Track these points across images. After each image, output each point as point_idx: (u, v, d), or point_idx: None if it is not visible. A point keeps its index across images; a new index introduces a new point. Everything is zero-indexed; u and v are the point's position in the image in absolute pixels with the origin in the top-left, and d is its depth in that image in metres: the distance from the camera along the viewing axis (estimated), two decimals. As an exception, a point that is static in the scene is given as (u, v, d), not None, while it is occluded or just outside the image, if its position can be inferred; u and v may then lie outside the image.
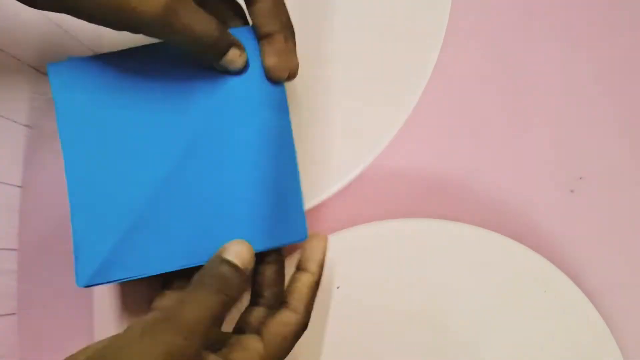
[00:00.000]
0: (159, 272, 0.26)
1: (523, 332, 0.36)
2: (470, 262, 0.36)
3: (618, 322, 0.37)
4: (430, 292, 0.36)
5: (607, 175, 0.40)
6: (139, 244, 0.26)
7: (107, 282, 0.26)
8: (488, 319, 0.36)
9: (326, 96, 0.36)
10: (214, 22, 0.25)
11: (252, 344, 0.24)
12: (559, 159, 0.41)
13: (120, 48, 0.28)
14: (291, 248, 0.35)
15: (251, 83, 0.27)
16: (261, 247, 0.26)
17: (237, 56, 0.26)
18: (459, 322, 0.36)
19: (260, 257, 0.28)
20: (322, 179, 0.34)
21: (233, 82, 0.27)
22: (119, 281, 0.26)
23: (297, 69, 0.29)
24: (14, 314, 0.34)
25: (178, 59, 0.27)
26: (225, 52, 0.26)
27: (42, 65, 0.35)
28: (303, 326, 0.26)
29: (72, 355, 0.22)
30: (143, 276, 0.26)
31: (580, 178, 0.40)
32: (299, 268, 0.27)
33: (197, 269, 0.24)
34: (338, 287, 0.36)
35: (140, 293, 0.33)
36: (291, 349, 0.26)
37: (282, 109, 0.28)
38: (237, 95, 0.27)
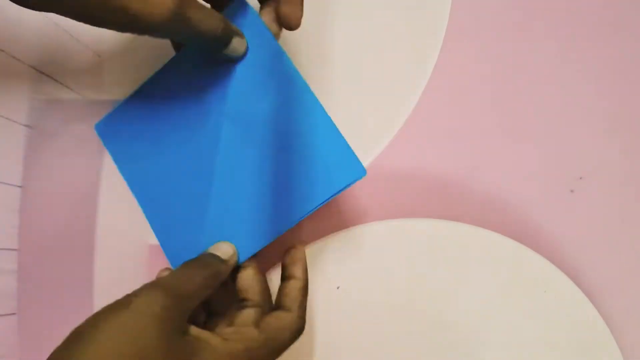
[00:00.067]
0: (133, 194, 0.32)
1: (523, 331, 0.36)
2: (470, 262, 0.36)
3: (618, 322, 0.37)
4: (430, 292, 0.36)
5: (607, 175, 0.40)
6: (145, 165, 0.31)
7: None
8: (488, 319, 0.36)
9: (326, 96, 0.36)
10: (218, 17, 0.26)
11: (248, 330, 0.26)
12: (559, 159, 0.41)
13: (119, 48, 0.29)
14: (272, 259, 0.35)
15: (256, 63, 0.29)
16: (321, 199, 0.28)
17: (239, 44, 0.28)
18: (459, 322, 0.36)
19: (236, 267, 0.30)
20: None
21: (242, 70, 0.29)
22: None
23: (300, 20, 0.30)
24: (14, 314, 0.34)
25: (191, 70, 0.30)
26: (229, 42, 0.27)
27: (42, 65, 0.35)
28: (299, 326, 0.27)
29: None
30: (124, 179, 0.32)
31: (580, 178, 0.40)
32: (284, 277, 0.29)
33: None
34: (338, 287, 0.36)
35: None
36: (286, 348, 0.26)
37: (290, 73, 0.29)
38: (249, 79, 0.29)
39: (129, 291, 0.29)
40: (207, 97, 0.30)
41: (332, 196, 0.28)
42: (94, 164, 0.36)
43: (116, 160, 0.32)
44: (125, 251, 0.36)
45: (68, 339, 0.21)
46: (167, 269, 0.31)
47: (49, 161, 0.35)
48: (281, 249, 0.31)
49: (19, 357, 0.34)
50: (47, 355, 0.22)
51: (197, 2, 0.25)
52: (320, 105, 0.28)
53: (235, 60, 0.29)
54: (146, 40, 0.27)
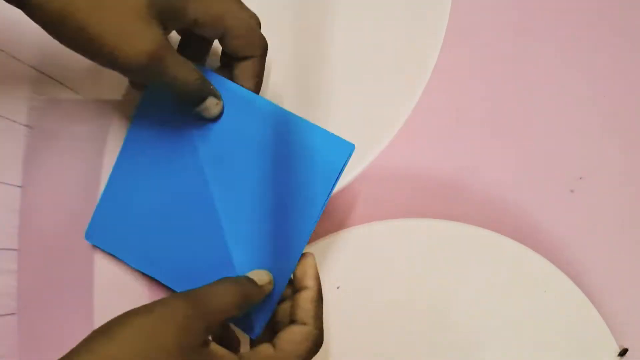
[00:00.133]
0: (147, 273, 0.30)
1: (523, 331, 0.36)
2: (470, 262, 0.36)
3: (618, 322, 0.38)
4: (430, 291, 0.36)
5: (607, 176, 0.40)
6: (147, 243, 0.30)
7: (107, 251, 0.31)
8: (488, 318, 0.36)
9: (326, 96, 0.36)
10: (196, 73, 0.26)
11: (264, 348, 0.25)
12: (559, 160, 0.41)
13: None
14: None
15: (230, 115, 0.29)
16: (325, 191, 0.28)
17: (213, 105, 0.27)
18: (459, 321, 0.36)
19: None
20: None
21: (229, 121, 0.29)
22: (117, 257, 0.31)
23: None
24: (14, 314, 0.34)
25: (163, 124, 0.30)
26: (203, 100, 0.27)
27: (42, 65, 0.35)
28: (316, 339, 0.27)
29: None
30: (133, 267, 0.30)
31: (580, 178, 0.40)
32: (296, 289, 0.28)
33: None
34: (338, 287, 0.36)
35: (140, 294, 0.33)
36: None
37: (249, 98, 0.29)
38: (225, 127, 0.29)
39: (129, 291, 0.29)
40: (186, 149, 0.29)
41: (334, 184, 0.28)
42: (94, 164, 0.36)
43: (122, 257, 0.31)
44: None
45: (90, 336, 0.22)
46: None
47: (49, 161, 0.35)
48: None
49: (18, 357, 0.34)
50: (47, 355, 0.22)
51: (177, 54, 0.25)
52: (282, 109, 0.29)
53: (207, 119, 0.28)
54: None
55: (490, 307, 0.36)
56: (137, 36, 0.22)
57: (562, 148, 0.41)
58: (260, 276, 0.27)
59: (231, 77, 0.29)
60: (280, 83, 0.35)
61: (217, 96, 0.28)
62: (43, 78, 0.35)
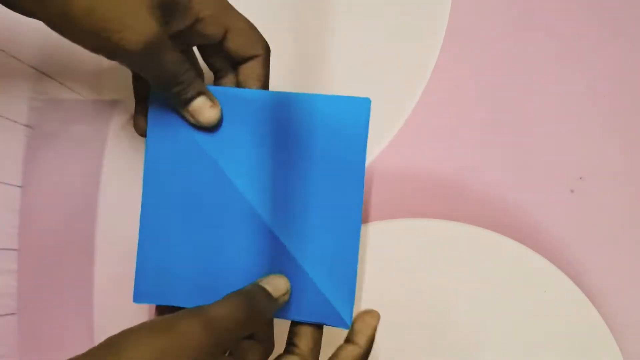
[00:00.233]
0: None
1: (523, 332, 0.36)
2: (470, 262, 0.36)
3: (618, 322, 0.37)
4: (430, 292, 0.36)
5: (607, 176, 0.40)
6: (198, 276, 0.27)
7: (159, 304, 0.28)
8: (488, 318, 0.36)
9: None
10: (187, 67, 0.25)
11: None
12: (559, 159, 0.41)
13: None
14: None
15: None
16: (298, 318, 0.26)
17: (206, 106, 0.26)
18: (459, 322, 0.36)
19: None
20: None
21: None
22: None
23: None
24: (13, 314, 0.34)
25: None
26: (191, 99, 0.26)
27: (42, 65, 0.35)
28: None
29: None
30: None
31: (581, 178, 0.40)
32: (348, 340, 0.27)
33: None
34: (338, 287, 0.36)
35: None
36: None
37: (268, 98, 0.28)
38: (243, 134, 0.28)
39: (129, 292, 0.29)
40: (209, 170, 0.27)
41: (365, 143, 0.27)
42: (94, 164, 0.36)
43: (177, 303, 0.28)
44: (125, 251, 0.36)
45: (96, 350, 0.21)
46: None
47: (49, 161, 0.35)
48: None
49: (18, 357, 0.34)
50: (47, 355, 0.22)
51: (173, 49, 0.24)
52: (286, 93, 0.28)
53: (204, 127, 0.27)
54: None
55: (490, 307, 0.36)
56: (137, 24, 0.22)
57: (563, 148, 0.41)
58: (277, 285, 0.26)
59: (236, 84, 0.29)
60: (280, 83, 0.35)
61: (212, 98, 0.26)
62: (43, 78, 0.35)
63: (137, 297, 0.28)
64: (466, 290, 0.36)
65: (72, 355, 0.20)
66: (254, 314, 0.24)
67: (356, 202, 0.27)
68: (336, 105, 0.27)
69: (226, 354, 0.26)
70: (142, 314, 0.34)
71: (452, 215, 0.38)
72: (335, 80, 0.36)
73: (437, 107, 0.40)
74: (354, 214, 0.27)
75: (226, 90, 0.27)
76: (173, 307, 0.27)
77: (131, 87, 0.29)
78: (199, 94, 0.26)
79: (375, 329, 0.27)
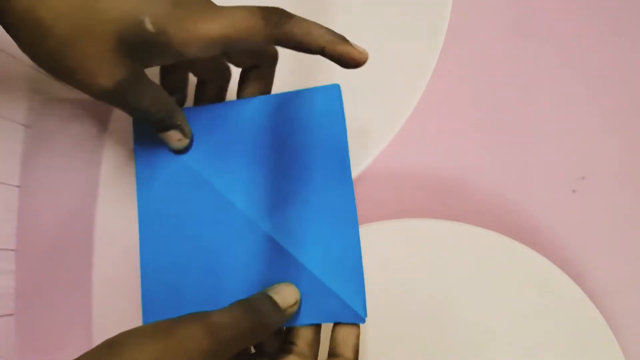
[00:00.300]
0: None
1: (524, 331, 0.36)
2: (471, 262, 0.36)
3: (619, 322, 0.37)
4: (430, 291, 0.36)
5: (608, 176, 0.40)
6: (199, 297, 0.27)
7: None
8: (489, 318, 0.36)
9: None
10: (162, 105, 0.25)
11: None
12: (561, 160, 0.41)
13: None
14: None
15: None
16: (312, 322, 0.26)
17: (174, 139, 0.27)
18: (459, 321, 0.36)
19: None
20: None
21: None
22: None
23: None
24: (12, 314, 0.34)
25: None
26: (166, 130, 0.26)
27: (40, 65, 0.35)
28: None
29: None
30: None
31: (582, 178, 0.40)
32: (332, 354, 0.26)
33: None
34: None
35: (139, 294, 0.33)
36: None
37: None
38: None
39: (127, 292, 0.28)
40: (198, 185, 0.28)
41: (344, 128, 0.26)
42: (93, 164, 0.36)
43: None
44: (123, 251, 0.36)
45: (95, 350, 0.21)
46: None
47: (47, 161, 0.35)
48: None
49: (17, 357, 0.33)
50: (45, 356, 0.22)
51: (145, 81, 0.24)
52: (256, 99, 0.28)
53: (173, 151, 0.27)
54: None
55: (491, 307, 0.36)
56: (103, 68, 0.22)
57: (564, 148, 0.41)
58: (286, 295, 0.25)
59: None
60: (280, 83, 0.35)
61: (184, 131, 0.26)
62: (42, 78, 0.35)
63: (147, 318, 0.27)
64: (466, 290, 0.36)
65: (70, 356, 0.20)
66: (258, 323, 0.23)
67: (347, 190, 0.26)
68: (308, 98, 0.27)
69: None
70: (140, 314, 0.34)
71: (452, 215, 0.38)
72: (335, 80, 0.36)
73: (437, 107, 0.40)
74: (348, 203, 0.26)
75: (202, 108, 0.28)
76: None
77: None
78: (172, 127, 0.26)
79: (358, 337, 0.26)
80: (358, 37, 0.37)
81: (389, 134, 0.35)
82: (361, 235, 0.34)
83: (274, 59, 0.28)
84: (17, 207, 0.35)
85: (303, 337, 0.26)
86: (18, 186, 0.35)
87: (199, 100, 0.29)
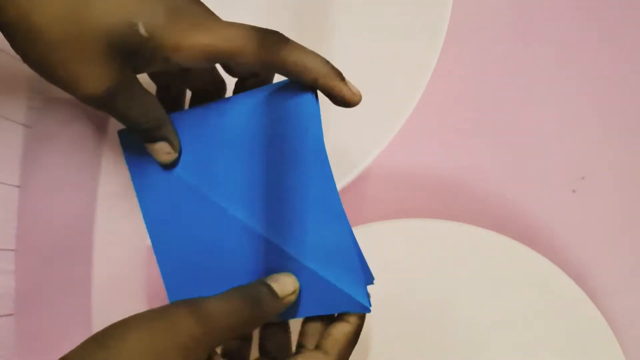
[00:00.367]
0: None
1: (524, 331, 0.36)
2: (470, 262, 0.36)
3: (620, 322, 0.37)
4: (430, 292, 0.36)
5: (608, 176, 0.40)
6: (216, 270, 0.27)
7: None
8: (488, 318, 0.36)
9: (326, 97, 0.36)
10: (151, 115, 0.25)
11: None
12: (561, 159, 0.41)
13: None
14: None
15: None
16: (313, 313, 0.26)
17: (163, 152, 0.26)
18: (458, 321, 0.36)
19: None
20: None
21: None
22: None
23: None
24: (11, 314, 0.34)
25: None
26: (153, 142, 0.26)
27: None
28: None
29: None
30: None
31: (582, 178, 0.40)
32: (335, 319, 0.26)
33: None
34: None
35: (138, 294, 0.33)
36: None
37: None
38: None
39: (127, 292, 0.28)
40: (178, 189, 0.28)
41: (319, 121, 0.26)
42: (93, 164, 0.36)
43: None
44: (123, 252, 0.36)
45: (84, 344, 0.21)
46: None
47: (47, 161, 0.35)
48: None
49: (16, 358, 0.33)
50: (45, 356, 0.22)
51: (136, 89, 0.24)
52: (232, 104, 0.27)
53: (161, 166, 0.27)
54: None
55: (491, 307, 0.36)
56: (92, 73, 0.22)
57: (564, 148, 0.41)
58: (284, 283, 0.24)
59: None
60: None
61: (172, 144, 0.26)
62: (41, 77, 0.35)
63: (173, 297, 0.28)
64: (466, 290, 0.36)
65: (70, 356, 0.20)
66: (254, 309, 0.23)
67: (329, 182, 0.26)
68: (279, 90, 0.26)
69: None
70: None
71: (452, 215, 0.38)
72: (335, 79, 0.36)
73: (437, 107, 0.40)
74: (332, 196, 0.26)
75: (182, 114, 0.28)
76: None
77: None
78: (161, 139, 0.26)
79: (347, 334, 0.26)
80: (358, 37, 0.37)
81: (389, 134, 0.35)
82: (361, 235, 0.34)
83: (267, 71, 0.27)
84: (17, 207, 0.35)
85: (311, 335, 0.26)
86: (18, 186, 0.35)
87: None
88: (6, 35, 0.22)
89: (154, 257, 0.29)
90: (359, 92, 0.25)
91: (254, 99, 0.27)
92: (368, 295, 0.26)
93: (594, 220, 0.40)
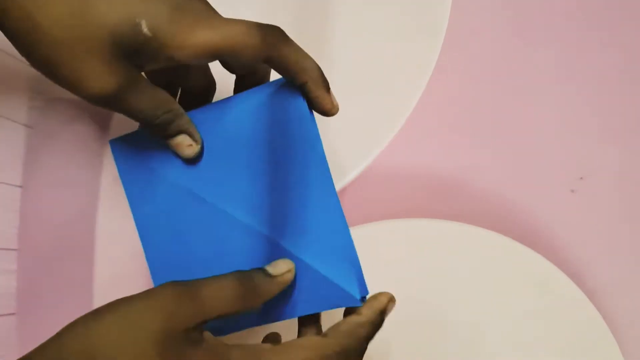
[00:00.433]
0: None
1: (523, 331, 0.36)
2: (470, 262, 0.36)
3: (619, 322, 0.37)
4: (430, 291, 0.36)
5: (608, 176, 0.40)
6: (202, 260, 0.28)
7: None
8: (488, 318, 0.36)
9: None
10: (165, 107, 0.25)
11: (262, 348, 0.24)
12: (560, 159, 0.41)
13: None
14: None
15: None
16: (311, 311, 0.26)
17: (184, 145, 0.26)
18: (458, 321, 0.36)
19: None
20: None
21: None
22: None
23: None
24: (13, 314, 0.34)
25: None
26: (173, 135, 0.26)
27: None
28: (327, 352, 0.24)
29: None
30: None
31: (581, 178, 0.40)
32: (350, 311, 0.26)
33: None
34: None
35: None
36: None
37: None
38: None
39: (129, 291, 0.29)
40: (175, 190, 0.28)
41: (313, 120, 0.26)
42: (95, 164, 0.36)
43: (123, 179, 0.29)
44: (125, 251, 0.36)
45: (77, 319, 0.22)
46: None
47: (49, 161, 0.35)
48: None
49: (17, 357, 0.34)
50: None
51: (145, 85, 0.24)
52: (230, 106, 0.28)
53: (182, 159, 0.27)
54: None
55: (490, 306, 0.36)
56: (98, 74, 0.22)
57: (563, 148, 0.41)
58: (278, 266, 0.25)
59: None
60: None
61: (192, 136, 0.26)
62: (43, 77, 0.35)
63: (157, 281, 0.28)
64: (466, 290, 0.36)
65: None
66: (246, 287, 0.23)
67: (324, 173, 0.26)
68: (274, 91, 0.26)
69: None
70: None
71: (452, 214, 0.38)
72: (335, 80, 0.36)
73: (437, 107, 0.40)
74: (328, 189, 0.26)
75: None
76: None
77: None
78: (179, 132, 0.26)
79: (384, 304, 0.26)
80: (358, 37, 0.37)
81: (389, 134, 0.35)
82: (361, 235, 0.34)
83: (265, 67, 0.28)
84: (19, 207, 0.35)
85: (345, 324, 0.25)
86: (20, 186, 0.35)
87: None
88: (9, 36, 0.22)
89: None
90: (337, 106, 0.26)
91: (251, 100, 0.27)
92: (365, 290, 0.26)
93: (593, 220, 0.40)
